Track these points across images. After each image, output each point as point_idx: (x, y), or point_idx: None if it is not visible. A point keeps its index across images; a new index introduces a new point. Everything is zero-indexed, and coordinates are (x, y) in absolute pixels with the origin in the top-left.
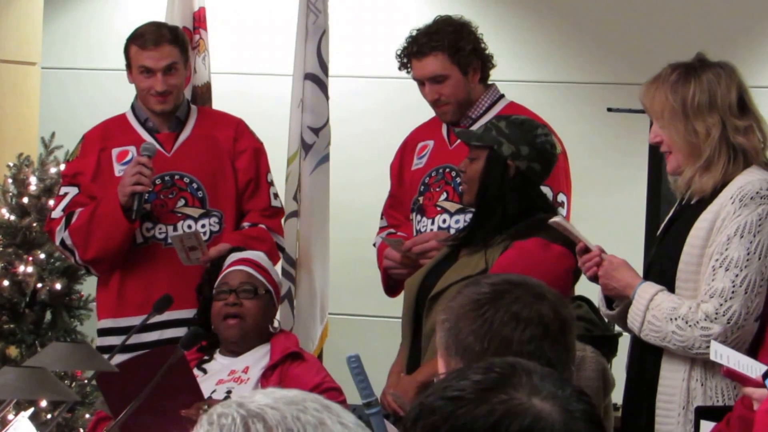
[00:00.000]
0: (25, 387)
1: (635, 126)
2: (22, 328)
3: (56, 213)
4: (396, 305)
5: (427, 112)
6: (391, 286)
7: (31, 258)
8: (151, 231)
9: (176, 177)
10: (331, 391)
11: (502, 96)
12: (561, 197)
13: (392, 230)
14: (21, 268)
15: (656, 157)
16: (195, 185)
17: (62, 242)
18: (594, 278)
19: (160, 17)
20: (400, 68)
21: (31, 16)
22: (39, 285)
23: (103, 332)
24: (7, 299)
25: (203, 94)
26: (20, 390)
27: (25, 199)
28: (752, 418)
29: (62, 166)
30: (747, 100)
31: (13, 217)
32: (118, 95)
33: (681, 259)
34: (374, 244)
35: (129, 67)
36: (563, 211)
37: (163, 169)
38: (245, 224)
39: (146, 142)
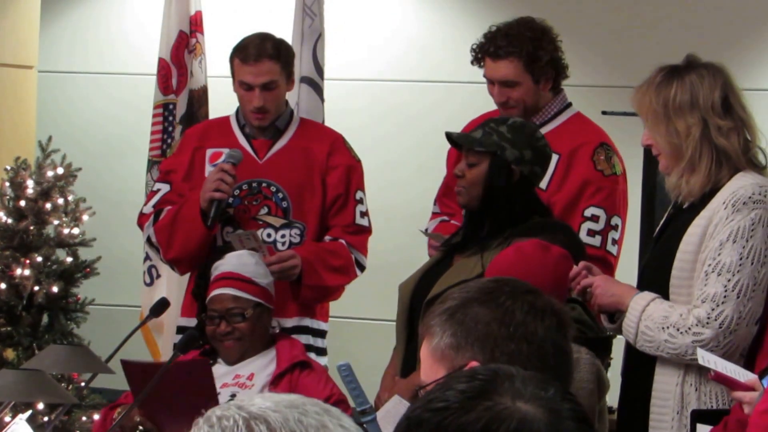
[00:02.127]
0: (22, 389)
1: (630, 129)
2: (19, 330)
3: (147, 208)
4: (393, 309)
5: (425, 117)
6: None
7: (28, 261)
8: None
9: (263, 185)
10: (340, 404)
11: (569, 104)
12: (615, 220)
13: (446, 218)
14: (18, 271)
15: (651, 159)
16: (281, 195)
17: (148, 239)
18: (582, 295)
19: (158, 21)
20: (472, 62)
21: (28, 19)
22: (36, 288)
23: (179, 330)
24: (5, 302)
25: (200, 97)
26: (18, 392)
27: (23, 203)
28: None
29: (59, 170)
30: (732, 101)
31: (10, 220)
32: (114, 99)
33: (674, 265)
34: (426, 230)
35: (233, 77)
36: (615, 235)
37: (252, 176)
38: (327, 238)
39: (232, 149)
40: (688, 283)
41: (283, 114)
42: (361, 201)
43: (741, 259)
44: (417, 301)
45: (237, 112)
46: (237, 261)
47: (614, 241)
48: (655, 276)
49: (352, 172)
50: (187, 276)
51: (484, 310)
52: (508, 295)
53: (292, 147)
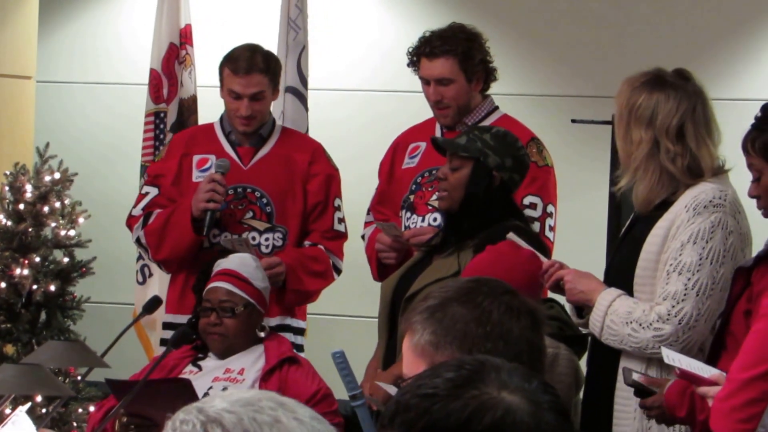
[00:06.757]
0: (22, 383)
1: (598, 136)
2: (19, 327)
3: (136, 211)
4: (373, 306)
5: (406, 125)
6: (381, 272)
7: (26, 261)
8: (217, 238)
9: (248, 190)
10: (327, 398)
11: (496, 107)
12: (550, 208)
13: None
14: (17, 271)
15: (617, 165)
16: (265, 200)
17: (138, 239)
18: (554, 288)
19: (149, 34)
20: (408, 65)
21: (26, 30)
22: (34, 287)
23: (165, 326)
24: (4, 300)
25: (189, 106)
26: (18, 386)
27: (21, 206)
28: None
29: (56, 175)
30: (687, 128)
31: (10, 223)
32: (109, 107)
33: (638, 265)
34: (362, 236)
35: (221, 84)
36: (551, 221)
37: (238, 181)
38: (306, 243)
39: (220, 159)
40: (651, 282)
41: (267, 123)
42: (338, 208)
43: (701, 259)
44: (398, 297)
45: (221, 119)
46: (239, 261)
47: (550, 228)
48: (620, 274)
49: (331, 180)
50: (168, 274)
51: (462, 310)
52: (485, 295)
53: (275, 155)
